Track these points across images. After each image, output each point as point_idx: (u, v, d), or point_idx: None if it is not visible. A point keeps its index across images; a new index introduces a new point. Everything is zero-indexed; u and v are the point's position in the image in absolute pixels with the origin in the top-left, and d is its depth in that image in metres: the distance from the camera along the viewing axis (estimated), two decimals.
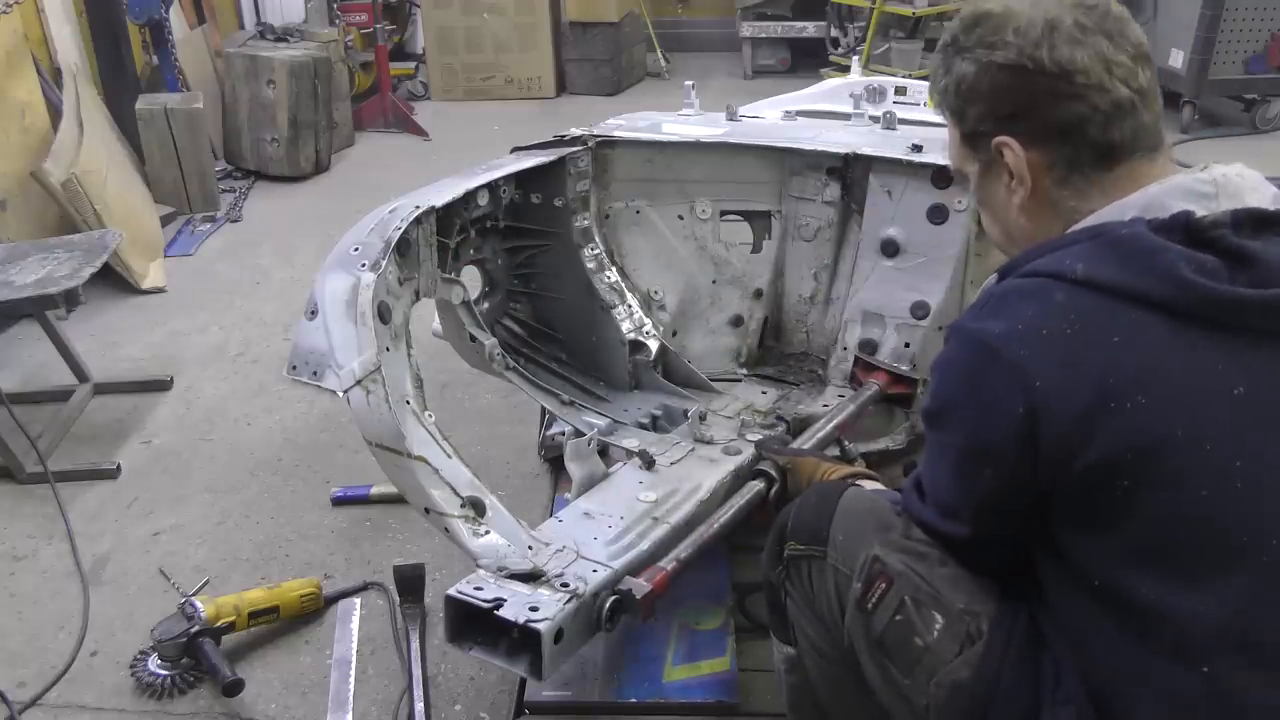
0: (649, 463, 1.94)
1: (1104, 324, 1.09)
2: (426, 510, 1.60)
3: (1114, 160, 1.20)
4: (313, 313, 1.63)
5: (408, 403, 1.65)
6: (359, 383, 1.56)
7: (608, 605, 1.53)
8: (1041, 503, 1.14)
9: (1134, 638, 1.10)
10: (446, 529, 1.59)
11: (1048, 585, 1.19)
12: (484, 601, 1.48)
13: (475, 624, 1.49)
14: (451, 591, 1.51)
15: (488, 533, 1.60)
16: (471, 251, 2.13)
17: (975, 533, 1.24)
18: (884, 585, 1.29)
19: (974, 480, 1.20)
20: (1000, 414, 1.12)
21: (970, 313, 1.21)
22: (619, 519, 1.76)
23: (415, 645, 2.08)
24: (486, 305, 2.24)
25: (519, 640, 1.46)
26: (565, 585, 1.53)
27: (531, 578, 1.54)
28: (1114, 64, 1.18)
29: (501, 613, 1.46)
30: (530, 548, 1.60)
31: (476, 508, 1.62)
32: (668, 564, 1.58)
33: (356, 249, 1.68)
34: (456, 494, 1.60)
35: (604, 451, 2.09)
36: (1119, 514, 1.09)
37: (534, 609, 1.46)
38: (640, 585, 1.52)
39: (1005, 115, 1.23)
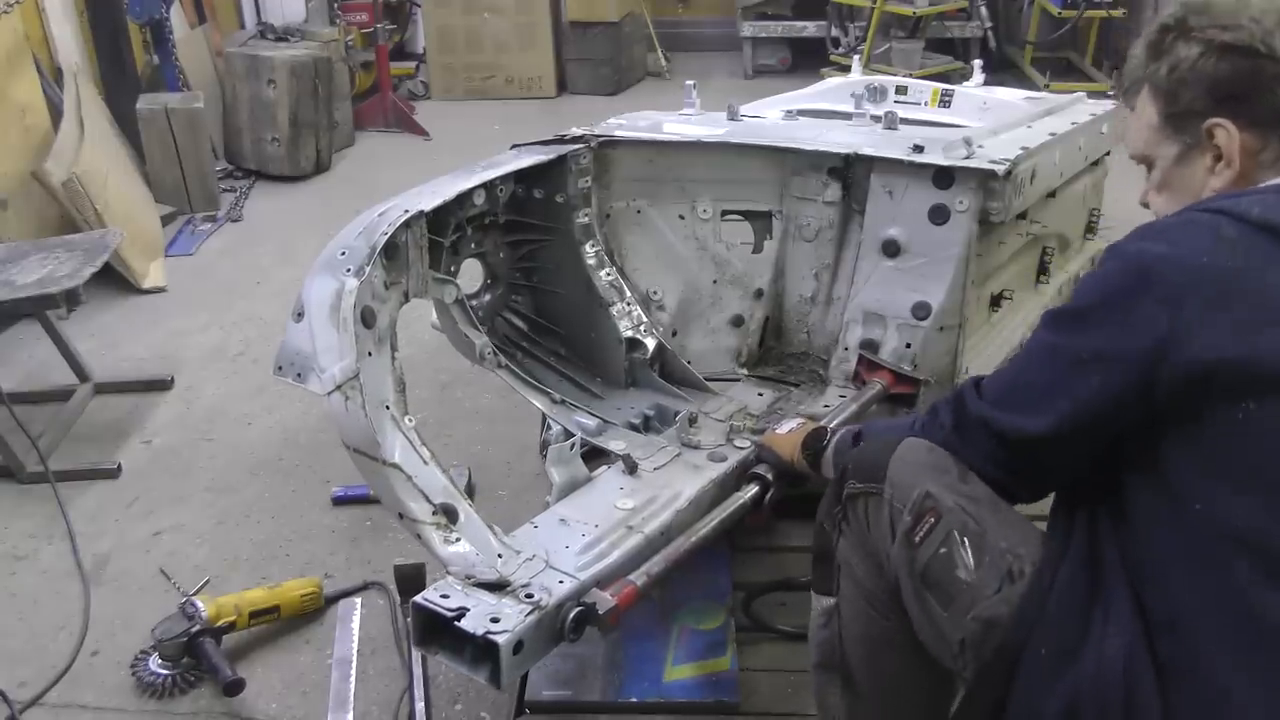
0: (632, 467, 1.94)
1: (1265, 265, 1.14)
2: (400, 516, 1.60)
3: None
4: (299, 315, 1.64)
5: (388, 408, 1.65)
6: (339, 388, 1.56)
7: (571, 617, 1.53)
8: (1148, 411, 1.17)
9: (1218, 565, 1.13)
10: (418, 535, 1.60)
11: (1136, 508, 1.21)
12: (447, 610, 1.49)
13: (441, 631, 1.50)
14: (418, 599, 1.52)
15: (458, 540, 1.60)
16: (472, 246, 2.13)
17: (1053, 432, 1.25)
18: (933, 520, 1.33)
19: (1082, 381, 1.22)
20: (1140, 331, 1.16)
21: (1134, 234, 1.24)
22: (594, 527, 1.75)
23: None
24: (488, 298, 2.24)
25: (481, 648, 1.47)
26: (530, 596, 1.53)
27: (497, 587, 1.54)
28: None
29: (462, 623, 1.47)
30: (500, 556, 1.61)
31: (449, 514, 1.63)
32: (637, 578, 1.57)
33: (343, 253, 1.69)
34: (429, 501, 1.61)
35: (601, 452, 2.09)
36: (1234, 440, 1.13)
37: (495, 620, 1.47)
38: (605, 599, 1.52)
39: (1226, 97, 1.25)
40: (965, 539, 1.31)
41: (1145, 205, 1.39)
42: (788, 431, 1.86)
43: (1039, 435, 1.27)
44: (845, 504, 1.46)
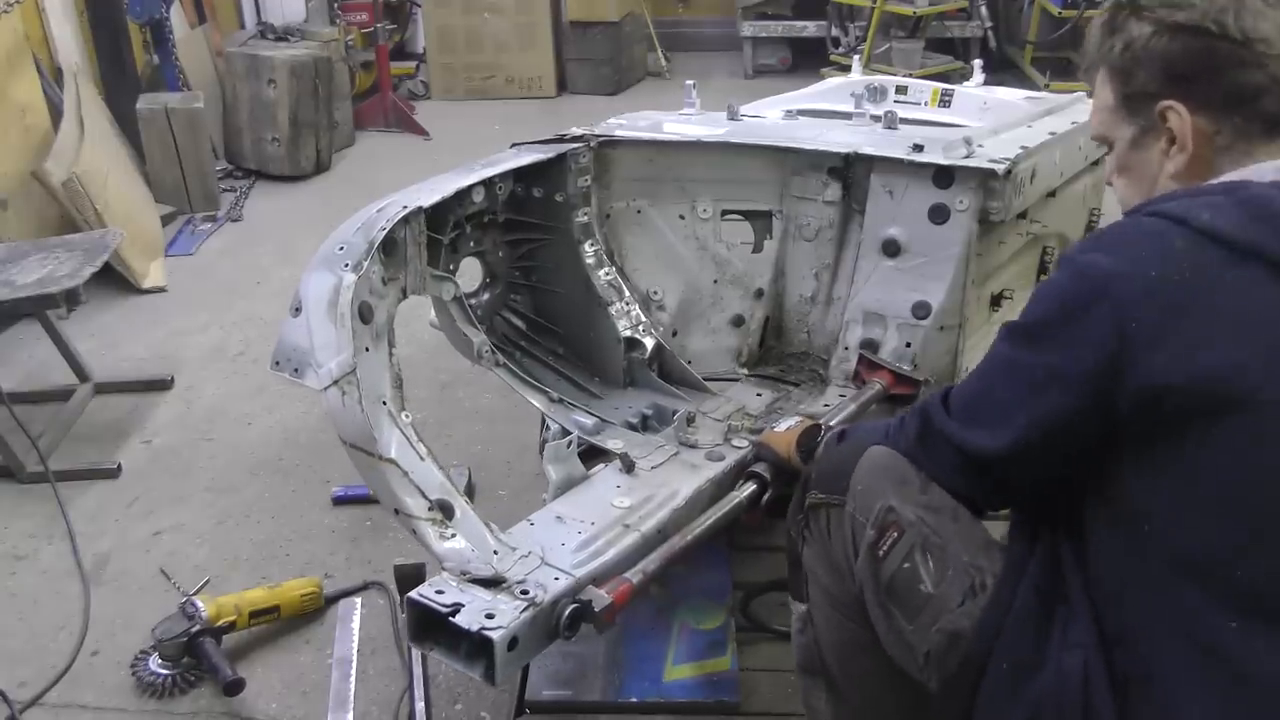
0: (629, 466, 1.94)
1: (1215, 276, 1.10)
2: (396, 511, 1.61)
3: None
4: (297, 310, 1.64)
5: (384, 404, 1.65)
6: (336, 383, 1.56)
7: (566, 614, 1.53)
8: (1103, 439, 1.16)
9: (1169, 587, 1.11)
10: (414, 531, 1.60)
11: (1092, 525, 1.20)
12: (442, 606, 1.49)
13: (436, 627, 1.50)
14: (413, 594, 1.52)
15: (454, 536, 1.60)
16: (471, 244, 2.13)
17: (1012, 449, 1.24)
18: (896, 534, 1.32)
19: (1038, 399, 1.20)
20: (1090, 348, 1.14)
21: (1085, 242, 1.22)
22: (590, 524, 1.75)
23: None
24: (487, 296, 2.23)
25: (476, 645, 1.47)
26: (525, 593, 1.52)
27: (493, 583, 1.54)
28: None
29: (457, 619, 1.47)
30: (495, 552, 1.60)
31: (445, 510, 1.63)
32: (633, 576, 1.57)
33: (341, 248, 1.69)
34: (425, 497, 1.61)
35: (599, 451, 2.08)
36: (1186, 464, 1.11)
37: (490, 616, 1.47)
38: (600, 597, 1.52)
39: (1177, 77, 1.22)
40: (928, 553, 1.31)
41: (1109, 184, 1.37)
42: (785, 429, 1.86)
43: (998, 452, 1.26)
44: (807, 513, 1.46)
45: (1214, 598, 1.09)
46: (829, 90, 3.48)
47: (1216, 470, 1.10)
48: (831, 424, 1.81)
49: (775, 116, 2.82)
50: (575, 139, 2.22)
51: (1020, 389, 1.23)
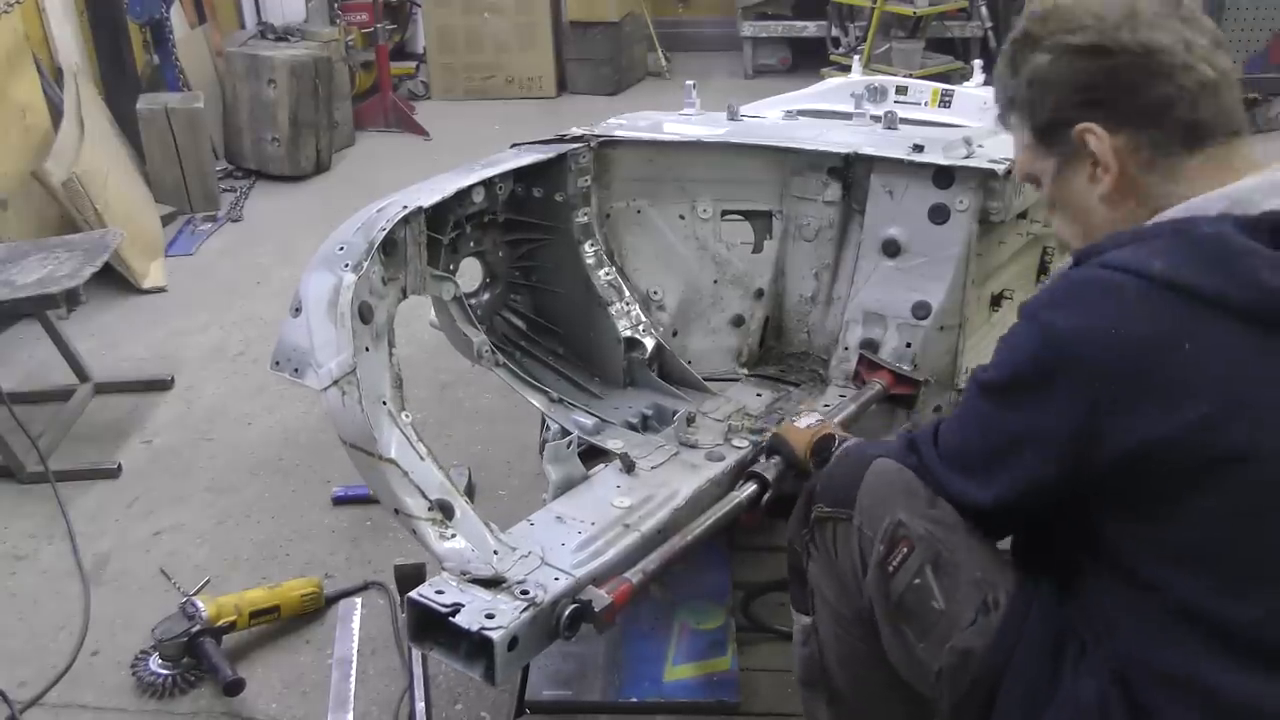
0: (629, 466, 1.94)
1: (1177, 328, 1.08)
2: (396, 511, 1.61)
3: (1201, 141, 1.18)
4: (297, 310, 1.65)
5: (384, 403, 1.65)
6: (336, 383, 1.56)
7: (567, 614, 1.53)
8: (1085, 491, 1.15)
9: (1170, 633, 1.11)
10: (414, 531, 1.60)
11: (1083, 571, 1.20)
12: (442, 606, 1.49)
13: (436, 627, 1.50)
14: (413, 594, 1.52)
15: (454, 536, 1.60)
16: (471, 244, 2.13)
17: (995, 504, 1.24)
18: (906, 549, 1.31)
19: (1015, 460, 1.20)
20: (1062, 415, 1.12)
21: (1043, 296, 1.19)
22: (590, 524, 1.75)
23: None
24: (487, 296, 2.24)
25: (476, 645, 1.47)
26: (525, 593, 1.52)
27: (493, 583, 1.54)
28: (1193, 44, 1.17)
29: (457, 619, 1.47)
30: (495, 552, 1.60)
31: (445, 510, 1.63)
32: (633, 575, 1.57)
33: (341, 248, 1.69)
34: (425, 497, 1.61)
35: (599, 451, 2.08)
36: (1173, 519, 1.10)
37: (490, 616, 1.47)
38: (600, 597, 1.52)
39: (1087, 100, 1.20)
40: (939, 569, 1.29)
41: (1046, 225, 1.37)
42: (805, 426, 1.83)
43: (984, 505, 1.26)
44: (813, 527, 1.45)
45: (1212, 641, 1.08)
46: (829, 90, 3.48)
47: (1201, 522, 1.09)
48: (840, 435, 1.77)
49: (775, 116, 2.82)
50: (575, 139, 2.22)
51: (996, 448, 1.23)
